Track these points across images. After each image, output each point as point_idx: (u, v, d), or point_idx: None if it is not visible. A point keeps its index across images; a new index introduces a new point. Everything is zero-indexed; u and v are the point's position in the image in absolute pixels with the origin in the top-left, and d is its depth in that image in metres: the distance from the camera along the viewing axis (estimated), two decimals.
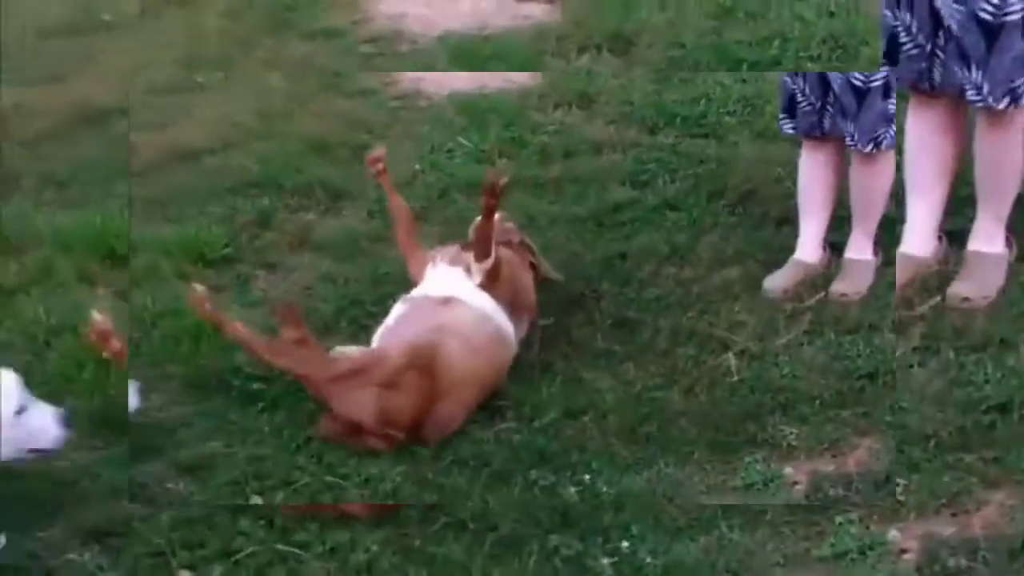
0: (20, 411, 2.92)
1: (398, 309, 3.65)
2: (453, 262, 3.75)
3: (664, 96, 5.29)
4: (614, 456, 3.31)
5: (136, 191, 4.56)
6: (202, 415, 3.48)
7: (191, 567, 2.98)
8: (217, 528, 3.06)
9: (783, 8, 5.87)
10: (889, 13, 3.83)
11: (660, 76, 5.44)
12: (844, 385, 3.54)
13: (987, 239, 3.90)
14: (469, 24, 6.09)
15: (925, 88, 3.85)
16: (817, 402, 3.49)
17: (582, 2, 6.17)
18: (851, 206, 4.07)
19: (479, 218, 3.69)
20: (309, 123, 5.28)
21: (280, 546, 3.01)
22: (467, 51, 5.74)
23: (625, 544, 3.05)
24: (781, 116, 4.20)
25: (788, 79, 4.14)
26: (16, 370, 2.99)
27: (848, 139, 3.94)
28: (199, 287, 3.40)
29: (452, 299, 3.61)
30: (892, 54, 3.85)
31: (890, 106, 3.87)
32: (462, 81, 5.53)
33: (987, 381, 3.46)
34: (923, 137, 3.97)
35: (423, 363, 3.36)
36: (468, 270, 3.69)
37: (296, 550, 3.00)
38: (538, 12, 6.19)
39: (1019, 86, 3.65)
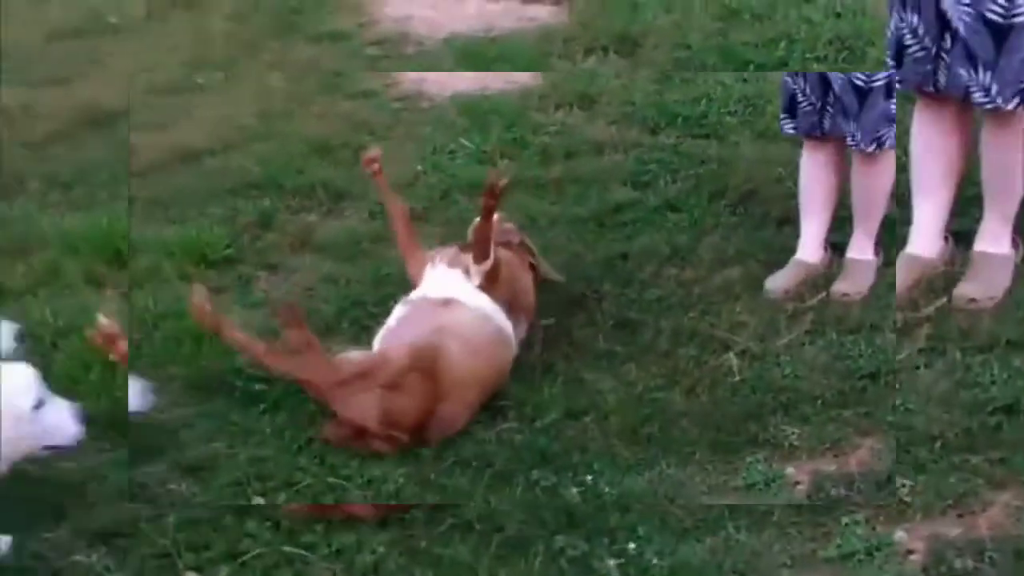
0: (38, 406, 2.83)
1: (399, 311, 3.64)
2: (452, 263, 3.74)
3: (665, 96, 5.29)
4: (616, 457, 3.31)
5: (138, 192, 4.56)
6: (204, 416, 3.48)
7: (197, 569, 2.97)
8: (223, 530, 3.05)
9: (789, 10, 5.88)
10: (895, 15, 3.83)
11: (661, 76, 5.44)
12: (846, 385, 3.54)
13: (993, 240, 3.91)
14: (475, 26, 6.10)
15: (930, 91, 3.85)
16: (819, 402, 3.48)
17: (588, 4, 6.19)
18: (852, 206, 4.07)
19: (478, 219, 3.69)
20: (311, 124, 5.29)
21: (286, 548, 3.01)
22: (473, 53, 5.75)
23: (631, 545, 3.04)
24: (782, 116, 4.20)
25: (789, 79, 4.14)
26: None
27: (849, 139, 3.94)
28: (200, 288, 3.40)
29: (452, 300, 3.61)
30: (897, 56, 3.85)
31: (892, 106, 3.87)
32: (464, 82, 5.53)
33: (993, 382, 3.45)
34: (929, 138, 3.97)
35: (425, 365, 3.36)
36: (467, 271, 3.69)
37: (302, 552, 3.00)
38: (544, 14, 6.20)
39: None
